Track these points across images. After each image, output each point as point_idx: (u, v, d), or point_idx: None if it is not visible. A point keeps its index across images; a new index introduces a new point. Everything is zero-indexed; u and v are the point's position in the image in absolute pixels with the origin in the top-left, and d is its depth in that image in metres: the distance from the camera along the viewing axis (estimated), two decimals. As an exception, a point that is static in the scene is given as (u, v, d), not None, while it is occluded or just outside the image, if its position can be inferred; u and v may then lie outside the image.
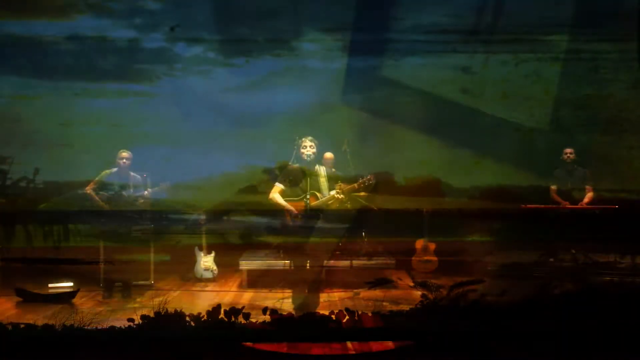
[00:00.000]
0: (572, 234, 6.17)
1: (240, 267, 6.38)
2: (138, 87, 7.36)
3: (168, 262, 6.65)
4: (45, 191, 6.87)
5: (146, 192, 6.31)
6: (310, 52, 7.20)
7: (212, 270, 6.64)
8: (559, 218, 6.38)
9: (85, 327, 4.17)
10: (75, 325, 4.18)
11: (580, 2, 6.67)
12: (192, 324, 4.17)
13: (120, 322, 4.23)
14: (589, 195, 6.54)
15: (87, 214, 6.18)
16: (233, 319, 4.22)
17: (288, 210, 5.45)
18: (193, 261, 6.67)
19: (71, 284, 5.99)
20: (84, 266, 6.05)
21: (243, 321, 4.26)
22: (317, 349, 4.21)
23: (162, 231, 6.46)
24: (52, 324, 4.19)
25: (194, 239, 6.74)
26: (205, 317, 4.20)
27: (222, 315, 4.25)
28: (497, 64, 7.21)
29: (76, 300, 5.61)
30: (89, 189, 6.18)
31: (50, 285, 5.95)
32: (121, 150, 6.33)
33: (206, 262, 6.64)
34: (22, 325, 4.21)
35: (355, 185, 5.48)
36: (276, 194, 5.49)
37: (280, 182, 5.53)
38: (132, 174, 6.32)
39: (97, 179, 6.24)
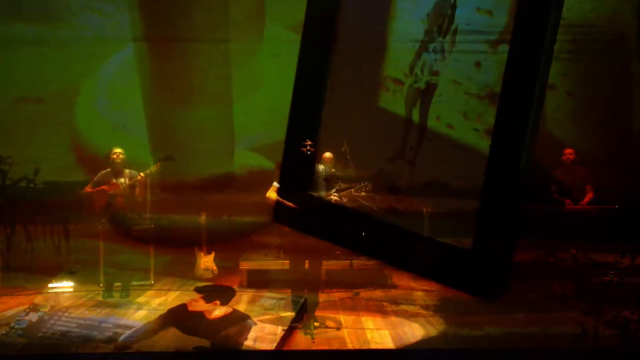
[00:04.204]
0: (572, 234, 6.15)
1: (240, 267, 6.43)
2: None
3: (168, 263, 6.68)
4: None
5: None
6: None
7: (212, 270, 6.64)
8: (559, 218, 6.36)
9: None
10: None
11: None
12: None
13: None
14: (589, 195, 6.53)
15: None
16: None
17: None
18: (193, 261, 6.68)
19: (71, 284, 6.00)
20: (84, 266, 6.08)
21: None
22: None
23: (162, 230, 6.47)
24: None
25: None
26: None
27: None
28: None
29: (76, 300, 5.62)
30: (88, 190, 6.17)
31: (50, 285, 5.96)
32: (113, 149, 6.28)
33: (206, 262, 6.63)
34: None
35: (352, 190, 5.54)
36: (273, 193, 5.46)
37: (278, 182, 5.51)
38: (127, 171, 6.27)
39: (95, 179, 6.22)
